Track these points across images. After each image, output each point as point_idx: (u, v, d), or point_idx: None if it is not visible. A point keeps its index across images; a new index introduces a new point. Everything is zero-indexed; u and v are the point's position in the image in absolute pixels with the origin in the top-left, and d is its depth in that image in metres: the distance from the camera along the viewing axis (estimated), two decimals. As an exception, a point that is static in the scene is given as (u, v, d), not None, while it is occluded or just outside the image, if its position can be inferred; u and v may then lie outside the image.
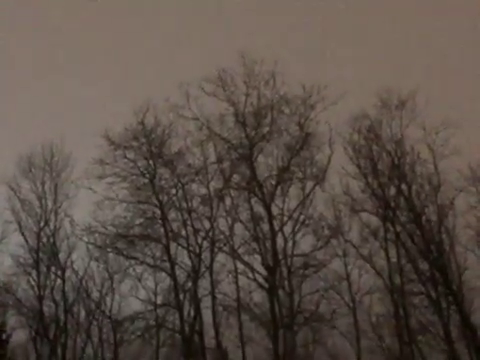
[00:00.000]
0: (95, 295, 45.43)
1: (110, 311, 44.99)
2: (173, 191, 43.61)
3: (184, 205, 43.24)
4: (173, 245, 42.97)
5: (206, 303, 42.14)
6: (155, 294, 43.92)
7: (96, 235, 43.75)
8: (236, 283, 42.06)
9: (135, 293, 44.03)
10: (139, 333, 43.15)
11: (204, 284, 42.26)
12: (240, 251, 42.35)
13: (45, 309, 44.94)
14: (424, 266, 41.00)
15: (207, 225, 42.87)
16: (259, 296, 42.07)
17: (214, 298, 41.81)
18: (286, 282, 41.37)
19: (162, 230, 43.09)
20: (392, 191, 42.65)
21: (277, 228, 41.84)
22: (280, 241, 41.76)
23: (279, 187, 42.61)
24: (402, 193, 42.20)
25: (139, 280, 43.71)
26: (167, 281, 43.44)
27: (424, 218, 41.75)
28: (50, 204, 46.61)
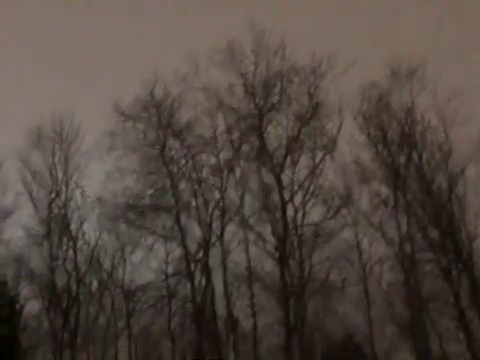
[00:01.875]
0: (107, 265, 45.80)
1: (122, 281, 45.36)
2: (183, 162, 43.76)
3: (194, 176, 43.39)
4: (184, 215, 43.20)
5: (217, 273, 42.40)
6: (166, 264, 44.16)
7: (107, 206, 44.16)
8: (247, 253, 42.26)
9: (146, 263, 44.37)
10: (151, 303, 43.58)
11: (215, 254, 42.52)
12: (250, 221, 42.55)
13: (57, 280, 45.23)
14: (434, 234, 41.07)
15: (217, 195, 43.07)
16: (270, 265, 42.26)
17: (225, 268, 42.06)
18: (296, 251, 41.60)
19: (172, 201, 43.27)
20: (402, 160, 42.63)
21: (287, 198, 41.91)
22: (290, 211, 41.94)
23: (289, 157, 42.59)
24: (412, 161, 42.15)
25: (150, 250, 43.94)
26: (178, 251, 43.69)
27: (435, 186, 41.75)
28: (61, 175, 46.81)
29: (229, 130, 43.31)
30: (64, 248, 45.76)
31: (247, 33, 42.53)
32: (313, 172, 42.30)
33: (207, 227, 42.61)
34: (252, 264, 42.11)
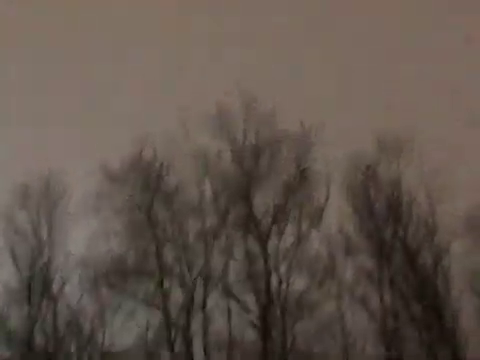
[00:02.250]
0: (86, 328, 45.05)
1: (102, 345, 44.60)
2: (168, 226, 43.56)
3: (179, 240, 43.17)
4: (167, 280, 42.82)
5: (198, 340, 41.91)
6: (147, 329, 43.50)
7: (90, 268, 43.73)
8: (229, 321, 41.88)
9: (127, 328, 43.65)
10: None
11: (196, 321, 42.06)
12: (234, 289, 42.23)
13: (35, 341, 44.49)
14: (418, 309, 40.91)
15: (201, 262, 42.77)
16: (252, 334, 41.86)
17: (206, 335, 41.60)
18: (279, 321, 41.28)
19: (156, 265, 42.94)
20: (388, 233, 42.71)
21: (272, 267, 41.79)
22: (275, 280, 41.76)
23: (275, 225, 42.61)
24: (398, 235, 42.25)
25: (131, 315, 43.30)
26: (159, 316, 43.06)
27: (419, 260, 41.78)
28: (45, 235, 46.44)
29: (216, 196, 43.36)
30: (44, 309, 45.10)
31: (237, 99, 43.14)
32: (299, 241, 42.30)
33: (190, 293, 42.22)
34: (234, 332, 41.73)
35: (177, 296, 42.66)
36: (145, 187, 43.74)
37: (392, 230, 42.41)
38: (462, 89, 50.35)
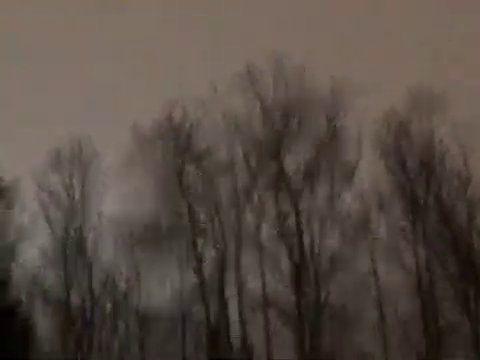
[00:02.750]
0: (122, 288, 45.58)
1: (137, 304, 45.12)
2: (200, 187, 43.62)
3: (211, 201, 43.23)
4: (200, 240, 43.04)
5: (232, 298, 42.19)
6: (181, 288, 43.88)
7: (123, 229, 44.10)
8: (262, 279, 42.04)
9: (161, 287, 44.09)
10: (165, 328, 43.29)
11: (230, 280, 42.29)
12: (267, 248, 42.29)
13: (72, 301, 45.18)
14: (453, 265, 40.68)
15: (234, 221, 42.82)
16: (285, 292, 42.00)
17: (240, 294, 41.82)
18: (313, 279, 41.34)
19: (189, 226, 43.13)
20: (421, 188, 42.31)
21: (304, 225, 41.70)
22: (307, 238, 41.74)
23: (306, 184, 42.40)
24: (431, 190, 41.83)
25: (165, 275, 43.68)
26: (193, 276, 43.36)
27: (453, 216, 41.38)
28: (77, 197, 46.84)
29: (247, 156, 43.21)
30: (79, 270, 45.68)
31: (266, 58, 42.68)
32: (331, 199, 42.09)
33: (223, 253, 42.39)
34: (267, 291, 41.91)
35: (211, 256, 42.84)
36: (176, 148, 43.71)
37: (425, 185, 41.93)
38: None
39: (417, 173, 42.42)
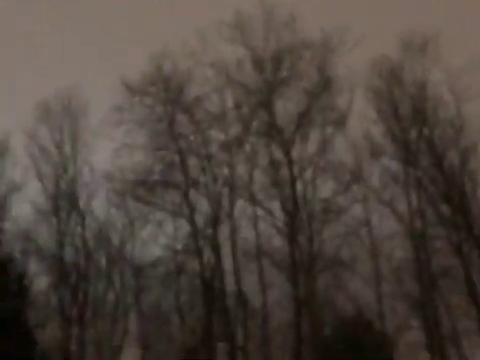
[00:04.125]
0: (115, 241, 45.56)
1: (131, 257, 45.15)
2: (191, 137, 43.40)
3: (203, 151, 43.03)
4: (192, 191, 42.91)
5: (226, 249, 42.23)
6: (175, 240, 43.90)
7: (115, 182, 43.92)
8: (255, 229, 42.08)
9: (155, 239, 44.10)
10: (160, 279, 43.37)
11: (224, 230, 42.30)
12: (260, 197, 42.28)
13: (66, 256, 45.12)
14: (446, 210, 40.73)
15: (226, 171, 42.73)
16: (279, 241, 42.08)
17: (234, 244, 41.86)
18: (306, 227, 41.36)
19: (181, 176, 42.97)
20: (413, 135, 42.16)
21: (297, 174, 41.61)
22: (300, 186, 41.70)
23: (299, 132, 42.21)
24: (424, 137, 41.70)
25: (159, 226, 43.65)
26: (187, 227, 43.38)
27: (446, 162, 41.32)
28: (68, 151, 46.51)
29: (238, 105, 42.90)
30: (72, 224, 45.57)
31: (256, 6, 42.15)
32: (323, 147, 41.95)
33: (216, 203, 42.32)
34: (261, 240, 41.97)
35: (204, 206, 42.77)
36: (166, 98, 43.32)
37: (417, 132, 41.76)
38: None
39: (409, 120, 42.19)
